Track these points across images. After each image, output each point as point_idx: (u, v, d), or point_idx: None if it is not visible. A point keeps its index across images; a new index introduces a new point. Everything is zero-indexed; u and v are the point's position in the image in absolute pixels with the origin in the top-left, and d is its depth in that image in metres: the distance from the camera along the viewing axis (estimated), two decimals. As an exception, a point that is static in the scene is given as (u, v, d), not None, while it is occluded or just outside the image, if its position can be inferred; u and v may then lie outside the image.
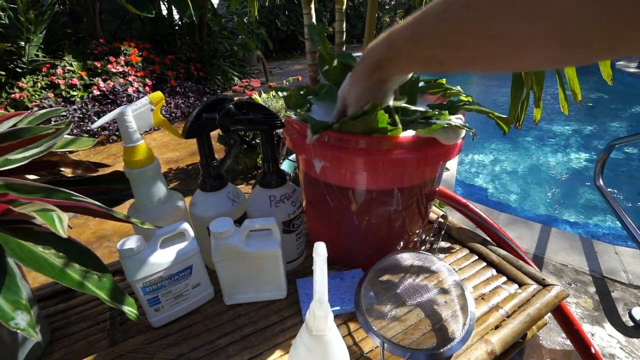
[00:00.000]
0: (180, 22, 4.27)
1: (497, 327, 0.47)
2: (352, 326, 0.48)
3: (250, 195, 0.56)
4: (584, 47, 0.21)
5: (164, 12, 4.30)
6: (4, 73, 2.87)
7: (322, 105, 0.53)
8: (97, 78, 3.19)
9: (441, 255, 0.61)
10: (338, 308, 0.49)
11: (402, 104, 0.47)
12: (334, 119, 0.46)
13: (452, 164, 2.44)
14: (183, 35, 4.30)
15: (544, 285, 0.53)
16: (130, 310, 0.38)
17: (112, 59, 3.33)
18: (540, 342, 1.18)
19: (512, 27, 0.22)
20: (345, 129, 0.44)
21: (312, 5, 0.98)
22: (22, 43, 2.91)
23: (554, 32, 0.21)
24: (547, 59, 0.23)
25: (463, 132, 0.45)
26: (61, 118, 2.66)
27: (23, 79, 2.92)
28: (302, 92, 0.55)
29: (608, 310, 1.29)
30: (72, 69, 3.14)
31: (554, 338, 1.19)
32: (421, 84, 0.56)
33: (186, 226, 0.48)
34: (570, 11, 0.19)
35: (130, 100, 3.18)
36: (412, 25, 0.30)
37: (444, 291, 0.50)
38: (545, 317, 0.52)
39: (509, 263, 0.57)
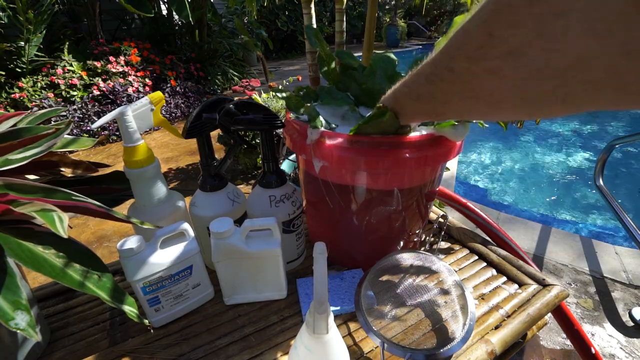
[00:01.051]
0: (180, 22, 4.27)
1: (497, 327, 0.47)
2: (352, 326, 0.48)
3: (250, 195, 0.56)
4: (543, 104, 0.23)
5: (164, 12, 4.30)
6: (3, 73, 2.87)
7: (324, 109, 0.52)
8: (97, 78, 3.19)
9: (441, 255, 0.61)
10: (338, 308, 0.49)
11: None
12: None
13: (452, 164, 2.44)
14: (183, 35, 4.30)
15: (544, 285, 0.53)
16: (130, 310, 0.38)
17: (112, 59, 3.33)
18: (541, 342, 1.18)
19: (484, 89, 0.24)
20: (361, 132, 0.44)
21: (312, 5, 0.98)
22: (22, 43, 2.91)
23: (518, 93, 0.23)
24: (517, 115, 0.26)
25: (468, 129, 0.46)
26: (61, 118, 2.66)
27: (23, 79, 2.92)
28: (301, 93, 0.55)
29: (608, 310, 1.29)
30: (72, 69, 3.14)
31: (554, 338, 1.19)
32: None
33: (186, 226, 0.48)
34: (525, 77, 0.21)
35: (130, 100, 3.18)
36: (409, 84, 0.33)
37: (444, 291, 0.50)
38: (546, 317, 0.52)
39: (509, 263, 0.57)
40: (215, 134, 0.55)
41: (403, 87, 0.34)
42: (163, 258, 0.46)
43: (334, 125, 0.48)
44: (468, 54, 0.24)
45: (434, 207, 0.68)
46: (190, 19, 3.46)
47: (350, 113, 0.51)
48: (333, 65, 0.56)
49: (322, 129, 0.46)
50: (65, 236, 0.32)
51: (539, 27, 0.19)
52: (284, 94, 0.54)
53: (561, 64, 0.19)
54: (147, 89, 3.43)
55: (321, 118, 0.47)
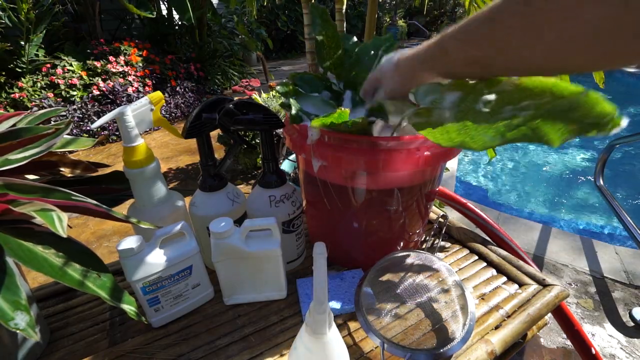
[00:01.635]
0: (180, 22, 4.26)
1: (497, 327, 0.46)
2: (352, 326, 0.48)
3: (250, 195, 0.56)
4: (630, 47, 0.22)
5: (164, 12, 4.30)
6: (3, 73, 2.87)
7: (307, 99, 0.52)
8: (96, 78, 3.19)
9: (441, 255, 0.61)
10: (338, 308, 0.49)
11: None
12: (364, 96, 0.48)
13: (452, 164, 2.44)
14: (183, 35, 4.30)
15: (544, 285, 0.53)
16: (130, 308, 0.38)
17: (112, 59, 3.33)
18: (541, 342, 1.18)
19: (558, 21, 0.23)
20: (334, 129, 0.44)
21: (312, 5, 0.98)
22: (22, 43, 2.91)
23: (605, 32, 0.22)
24: (590, 60, 0.25)
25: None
26: (61, 118, 2.66)
27: (23, 79, 2.92)
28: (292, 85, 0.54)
29: (608, 310, 1.29)
30: (71, 69, 3.14)
31: (554, 338, 1.19)
32: None
33: (186, 226, 0.48)
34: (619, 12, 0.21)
35: (130, 100, 3.18)
36: (462, 26, 0.31)
37: (444, 291, 0.50)
38: (546, 317, 0.52)
39: (509, 263, 0.57)
40: (215, 134, 0.54)
41: (453, 30, 0.32)
42: (163, 258, 0.46)
43: (313, 117, 0.47)
44: None
45: (434, 207, 0.68)
46: (193, 21, 3.47)
47: (321, 103, 0.51)
48: (339, 51, 0.54)
49: (308, 124, 0.45)
50: (65, 236, 0.32)
51: None
52: (284, 88, 0.53)
53: None
54: (147, 89, 3.43)
55: (294, 109, 0.46)
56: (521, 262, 0.57)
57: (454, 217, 0.68)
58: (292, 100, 0.47)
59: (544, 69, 0.28)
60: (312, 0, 0.89)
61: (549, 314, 0.52)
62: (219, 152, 2.38)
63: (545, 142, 0.28)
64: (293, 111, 0.46)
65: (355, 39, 0.58)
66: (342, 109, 0.41)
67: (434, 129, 0.34)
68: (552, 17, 0.24)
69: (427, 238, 0.64)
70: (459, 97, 0.34)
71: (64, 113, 2.79)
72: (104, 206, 0.38)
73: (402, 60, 0.41)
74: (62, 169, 0.51)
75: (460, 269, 0.58)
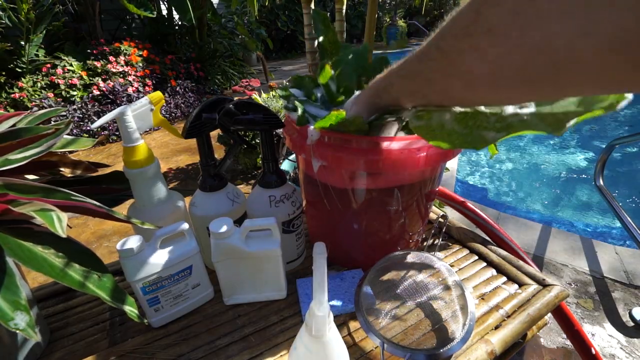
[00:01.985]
0: (180, 22, 4.26)
1: (497, 327, 0.46)
2: (352, 326, 0.48)
3: (250, 195, 0.56)
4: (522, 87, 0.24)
5: (164, 12, 4.30)
6: (3, 73, 2.87)
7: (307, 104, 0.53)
8: (97, 78, 3.19)
9: (441, 255, 0.61)
10: (338, 308, 0.49)
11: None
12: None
13: (452, 164, 2.44)
14: (183, 35, 4.30)
15: (544, 285, 0.53)
16: (131, 310, 0.38)
17: (112, 59, 3.33)
18: (541, 342, 1.18)
19: (465, 65, 0.25)
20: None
21: (312, 5, 0.98)
22: (22, 43, 2.91)
23: (494, 70, 0.24)
24: (490, 96, 0.27)
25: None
26: (61, 118, 2.66)
27: (23, 79, 2.92)
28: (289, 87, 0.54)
29: (608, 310, 1.29)
30: (72, 69, 3.14)
31: (554, 338, 1.19)
32: None
33: (186, 226, 0.48)
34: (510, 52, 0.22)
35: (130, 100, 3.18)
36: (402, 64, 0.34)
37: (444, 291, 0.50)
38: (546, 317, 0.52)
39: (509, 263, 0.57)
40: (215, 134, 0.54)
41: (396, 66, 0.36)
42: (163, 258, 0.46)
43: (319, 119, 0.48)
44: (456, 32, 0.25)
45: (434, 207, 0.68)
46: (194, 22, 3.47)
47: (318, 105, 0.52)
48: (340, 54, 0.55)
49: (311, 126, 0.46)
50: (64, 236, 0.32)
51: (515, 6, 0.20)
52: (285, 92, 0.54)
53: (531, 43, 0.20)
54: (147, 89, 3.43)
55: (299, 111, 0.47)
56: (521, 262, 0.57)
57: (454, 217, 0.68)
58: (297, 103, 0.48)
59: (468, 102, 0.31)
60: (313, 1, 0.89)
61: (549, 314, 0.52)
62: (219, 152, 2.38)
63: (547, 132, 0.29)
64: (299, 112, 0.47)
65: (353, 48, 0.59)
66: (338, 109, 0.41)
67: (435, 132, 0.35)
68: (458, 59, 0.26)
69: (427, 238, 0.64)
70: None
71: (64, 113, 2.79)
72: (104, 206, 0.38)
73: (360, 95, 0.44)
74: (62, 169, 0.51)
75: (460, 269, 0.58)
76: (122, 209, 0.42)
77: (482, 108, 0.33)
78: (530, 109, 0.30)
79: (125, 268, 0.44)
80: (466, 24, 0.24)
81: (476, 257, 0.60)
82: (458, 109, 0.34)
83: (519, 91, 0.25)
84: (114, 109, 0.47)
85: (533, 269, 0.56)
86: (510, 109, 0.31)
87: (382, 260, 0.51)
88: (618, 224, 1.93)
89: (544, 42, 0.20)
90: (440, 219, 0.64)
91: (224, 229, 0.46)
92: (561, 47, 0.19)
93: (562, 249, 1.60)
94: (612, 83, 0.20)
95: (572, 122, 0.28)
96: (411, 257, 0.52)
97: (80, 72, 3.15)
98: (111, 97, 3.14)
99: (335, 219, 0.54)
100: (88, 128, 2.82)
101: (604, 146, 1.38)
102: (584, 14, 0.17)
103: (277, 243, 0.48)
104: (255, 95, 2.13)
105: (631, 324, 1.23)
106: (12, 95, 2.83)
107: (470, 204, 0.70)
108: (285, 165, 1.53)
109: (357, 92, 0.46)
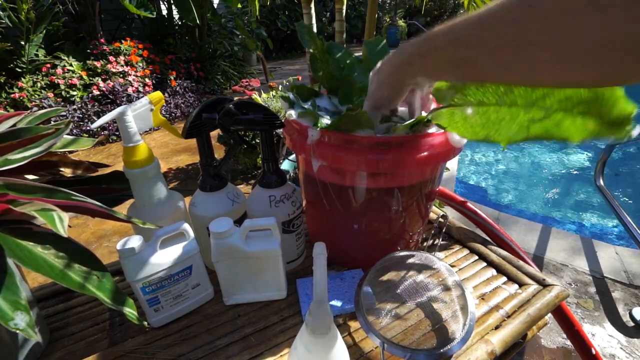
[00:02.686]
0: (180, 22, 4.26)
1: (497, 328, 0.46)
2: (352, 326, 0.48)
3: (250, 195, 0.56)
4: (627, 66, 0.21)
5: (164, 12, 4.30)
6: (3, 73, 2.87)
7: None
8: (96, 78, 3.19)
9: (441, 255, 0.61)
10: (338, 308, 0.49)
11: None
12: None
13: (452, 164, 2.44)
14: (183, 35, 4.30)
15: (544, 285, 0.53)
16: (130, 312, 0.38)
17: (112, 59, 3.33)
18: (541, 342, 1.18)
19: (568, 31, 0.22)
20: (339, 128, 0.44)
21: (312, 5, 0.98)
22: (22, 43, 2.91)
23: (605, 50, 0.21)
24: (591, 74, 0.24)
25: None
26: (61, 118, 2.66)
27: (23, 79, 2.92)
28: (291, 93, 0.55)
29: (608, 310, 1.29)
30: (71, 68, 3.14)
31: (554, 338, 1.19)
32: None
33: (186, 226, 0.48)
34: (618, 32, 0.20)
35: (130, 100, 3.18)
36: (453, 25, 0.30)
37: (444, 291, 0.50)
38: (546, 317, 0.52)
39: (509, 263, 0.57)
40: (215, 134, 0.54)
41: (441, 30, 0.31)
42: (163, 258, 0.46)
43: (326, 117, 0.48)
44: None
45: (434, 207, 0.68)
46: (198, 22, 3.47)
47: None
48: (330, 62, 0.55)
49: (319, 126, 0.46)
50: (65, 235, 0.32)
51: None
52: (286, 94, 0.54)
53: None
54: (147, 89, 3.43)
55: (323, 121, 0.47)
56: (521, 262, 0.57)
57: (454, 217, 0.68)
58: (307, 108, 0.48)
59: (536, 82, 0.28)
60: (313, 1, 0.89)
61: (549, 314, 0.52)
62: (219, 152, 2.38)
63: (565, 138, 0.29)
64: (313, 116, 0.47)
65: (344, 48, 0.59)
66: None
67: (458, 123, 0.35)
68: (544, 40, 0.23)
69: (427, 238, 0.64)
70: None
71: (64, 113, 2.79)
72: (105, 206, 0.38)
73: (383, 64, 0.40)
74: (62, 169, 0.51)
75: (460, 269, 0.58)
76: (122, 209, 0.42)
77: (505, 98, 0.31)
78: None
79: (125, 268, 0.44)
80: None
81: (476, 257, 0.60)
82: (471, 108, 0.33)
83: (630, 69, 0.21)
84: (114, 109, 0.47)
85: (533, 269, 0.56)
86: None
87: (382, 260, 0.51)
88: (618, 224, 1.93)
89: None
90: (441, 219, 0.64)
91: (224, 229, 0.46)
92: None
93: (562, 249, 1.60)
94: None
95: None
96: (411, 257, 0.52)
97: (80, 72, 3.15)
98: (111, 97, 3.14)
99: (335, 219, 0.54)
100: (88, 128, 2.82)
101: (604, 146, 1.39)
102: None
103: (277, 243, 0.48)
104: (255, 95, 2.13)
105: (631, 324, 1.23)
106: (12, 95, 2.82)
107: (470, 204, 0.70)
108: (285, 165, 1.53)
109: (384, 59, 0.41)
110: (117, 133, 2.95)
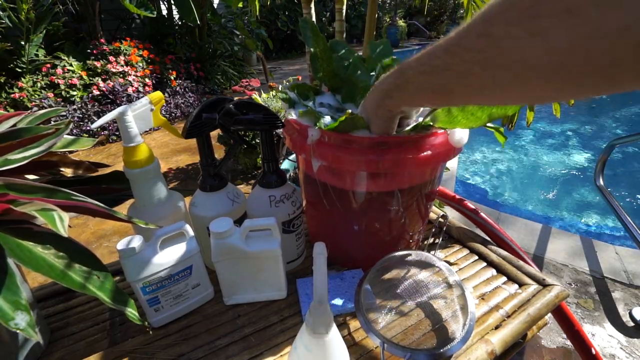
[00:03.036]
0: (180, 22, 4.26)
1: (497, 327, 0.47)
2: (352, 326, 0.48)
3: (250, 195, 0.56)
4: (586, 79, 0.22)
5: (164, 12, 4.30)
6: (3, 73, 2.87)
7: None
8: (96, 78, 3.19)
9: (441, 255, 0.61)
10: (338, 308, 0.49)
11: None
12: None
13: (452, 164, 2.44)
14: (183, 35, 4.30)
15: (544, 285, 0.53)
16: (132, 312, 0.38)
17: (112, 59, 3.33)
18: (541, 342, 1.18)
19: (518, 54, 0.23)
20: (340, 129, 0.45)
21: (312, 5, 0.98)
22: (22, 43, 2.91)
23: (557, 60, 0.21)
24: (549, 90, 0.24)
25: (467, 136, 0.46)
26: (61, 118, 2.66)
27: (23, 79, 2.92)
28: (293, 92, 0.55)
29: (608, 310, 1.29)
30: (71, 68, 3.14)
31: (554, 338, 1.19)
32: None
33: (186, 226, 0.48)
34: (574, 44, 0.20)
35: (130, 100, 3.18)
36: (422, 57, 0.31)
37: (444, 291, 0.50)
38: (546, 317, 0.52)
39: (509, 263, 0.57)
40: (215, 134, 0.55)
41: (412, 61, 0.33)
42: (163, 258, 0.46)
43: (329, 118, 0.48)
44: (512, 16, 0.22)
45: (434, 207, 0.68)
46: (198, 22, 3.47)
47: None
48: (331, 62, 0.55)
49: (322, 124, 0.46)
50: (66, 235, 0.32)
51: None
52: (285, 95, 0.54)
53: (615, 25, 0.18)
54: (147, 89, 3.43)
55: (324, 120, 0.47)
56: (521, 262, 0.57)
57: (454, 217, 0.68)
58: (309, 106, 0.48)
59: (507, 99, 0.29)
60: (313, 1, 0.89)
61: (549, 314, 0.52)
62: (219, 152, 2.38)
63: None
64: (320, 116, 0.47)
65: (347, 46, 0.59)
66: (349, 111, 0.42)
67: (457, 117, 0.39)
68: (510, 46, 0.23)
69: (427, 238, 0.64)
70: None
71: (64, 113, 2.79)
72: (105, 206, 0.38)
73: (367, 98, 0.42)
74: (62, 169, 0.51)
75: (460, 269, 0.58)
76: (122, 209, 0.42)
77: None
78: None
79: (126, 268, 0.44)
80: (529, 4, 0.21)
81: (476, 257, 0.60)
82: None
83: (582, 83, 0.22)
84: (114, 109, 0.47)
85: (533, 269, 0.56)
86: None
87: (382, 260, 0.51)
88: (618, 224, 1.93)
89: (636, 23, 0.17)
90: (440, 219, 0.64)
91: (224, 229, 0.46)
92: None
93: (562, 249, 1.60)
94: None
95: None
96: (411, 257, 0.52)
97: (80, 72, 3.15)
98: (111, 97, 3.14)
99: (335, 219, 0.54)
100: (88, 128, 2.82)
101: (604, 146, 1.39)
102: None
103: (277, 243, 0.48)
104: (255, 95, 2.13)
105: (631, 324, 1.23)
106: (12, 95, 2.82)
107: (470, 204, 0.70)
108: (285, 165, 1.53)
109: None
110: (117, 133, 2.96)
